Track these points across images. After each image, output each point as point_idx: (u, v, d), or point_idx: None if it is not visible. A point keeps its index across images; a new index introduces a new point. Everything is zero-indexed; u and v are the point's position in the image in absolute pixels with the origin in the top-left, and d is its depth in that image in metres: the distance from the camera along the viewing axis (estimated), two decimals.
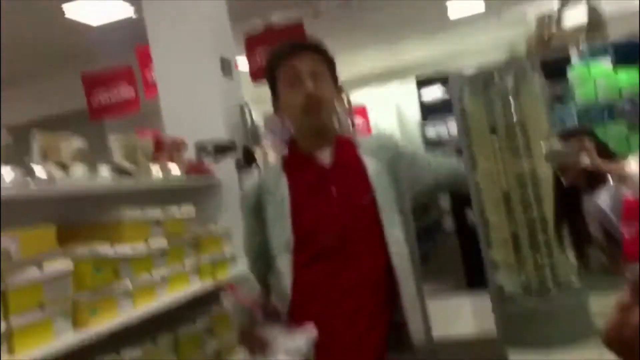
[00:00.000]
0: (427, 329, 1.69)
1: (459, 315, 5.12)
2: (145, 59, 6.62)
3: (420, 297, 1.68)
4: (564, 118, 5.29)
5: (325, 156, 1.68)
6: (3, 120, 7.83)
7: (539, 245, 4.05)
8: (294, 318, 1.60)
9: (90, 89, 6.98)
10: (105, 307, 1.86)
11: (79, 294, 1.77)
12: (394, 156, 1.72)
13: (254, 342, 1.52)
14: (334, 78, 1.72)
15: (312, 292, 1.62)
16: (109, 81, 7.05)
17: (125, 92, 7.07)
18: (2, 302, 1.53)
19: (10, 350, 1.52)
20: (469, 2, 8.50)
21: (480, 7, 8.66)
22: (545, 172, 4.21)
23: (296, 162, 1.71)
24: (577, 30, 1.72)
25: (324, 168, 1.67)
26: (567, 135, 2.44)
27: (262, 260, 1.74)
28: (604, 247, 2.43)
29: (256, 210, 1.70)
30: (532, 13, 9.60)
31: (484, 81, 4.18)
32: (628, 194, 2.21)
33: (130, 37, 6.34)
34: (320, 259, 1.62)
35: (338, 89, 1.73)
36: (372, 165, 1.68)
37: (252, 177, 1.79)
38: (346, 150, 1.71)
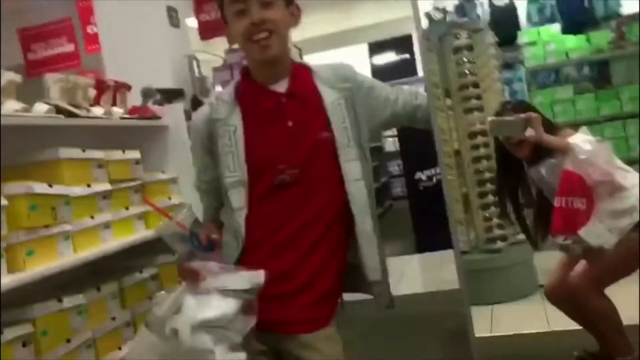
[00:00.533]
0: (383, 267, 1.65)
1: (410, 275, 5.19)
2: (85, 12, 6.32)
3: (376, 234, 1.64)
4: (512, 82, 5.36)
5: (280, 86, 1.60)
6: None
7: (488, 204, 4.10)
8: (248, 254, 1.54)
9: (27, 44, 6.62)
10: (42, 249, 1.74)
11: (14, 234, 1.65)
12: (352, 87, 1.65)
13: (187, 272, 1.43)
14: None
15: (267, 227, 1.56)
16: (47, 35, 6.70)
17: (64, 46, 6.74)
18: None
19: None
20: None
21: None
22: None
23: (250, 91, 1.62)
24: None
25: (279, 98, 1.59)
26: (508, 109, 2.48)
27: (214, 195, 1.67)
28: (536, 215, 2.49)
29: (207, 142, 1.61)
30: None
31: (440, 36, 4.13)
32: (568, 165, 2.26)
33: None
34: (276, 193, 1.55)
35: (292, 11, 1.62)
36: (329, 97, 1.61)
37: (202, 108, 1.67)
38: (303, 80, 1.63)
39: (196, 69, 4.21)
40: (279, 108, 1.58)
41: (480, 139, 3.99)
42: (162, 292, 2.15)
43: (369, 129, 1.68)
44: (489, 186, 3.99)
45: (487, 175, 3.99)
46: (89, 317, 1.90)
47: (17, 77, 1.98)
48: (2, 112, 1.80)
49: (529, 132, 2.23)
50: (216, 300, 1.36)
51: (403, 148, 6.94)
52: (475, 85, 4.02)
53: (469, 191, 4.05)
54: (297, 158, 1.56)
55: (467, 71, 4.02)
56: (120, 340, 2.04)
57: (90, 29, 6.37)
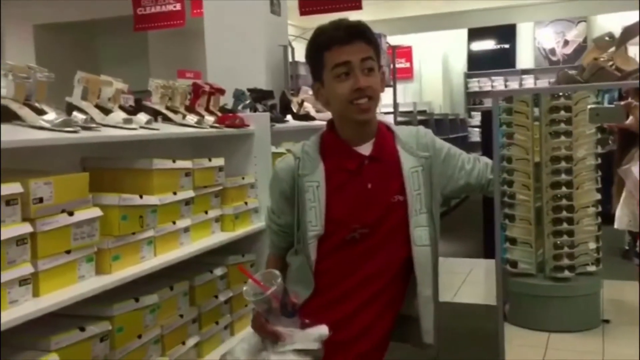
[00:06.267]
0: (437, 328, 1.74)
1: (470, 282, 5.20)
2: None
3: (435, 297, 1.72)
4: None
5: (365, 148, 1.69)
6: (42, 19, 7.86)
7: (561, 232, 4.02)
8: (315, 297, 1.67)
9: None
10: (127, 254, 1.93)
11: (104, 240, 1.84)
12: (431, 155, 1.72)
13: (267, 333, 1.57)
14: (380, 61, 1.69)
15: (334, 276, 1.68)
16: None
17: (172, 5, 7.00)
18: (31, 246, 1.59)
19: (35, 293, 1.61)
20: None
21: None
22: (583, 153, 4.12)
23: (335, 148, 1.71)
24: (636, 63, 1.65)
25: (363, 161, 1.68)
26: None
27: (284, 238, 1.79)
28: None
29: (289, 192, 1.72)
30: None
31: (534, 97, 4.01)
32: None
33: None
34: (346, 248, 1.66)
35: (382, 75, 1.70)
36: (408, 163, 1.69)
37: (287, 158, 1.77)
38: (386, 143, 1.72)
39: (290, 58, 4.32)
40: (361, 169, 1.68)
41: (563, 165, 3.91)
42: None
43: (442, 195, 1.75)
44: (565, 214, 3.93)
45: (565, 202, 3.92)
46: (160, 314, 2.09)
47: (124, 86, 2.15)
48: (109, 122, 1.99)
49: (630, 121, 2.19)
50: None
51: (485, 140, 6.80)
52: (568, 109, 3.91)
53: (543, 216, 4.00)
54: (371, 219, 1.66)
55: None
56: (185, 335, 2.23)
57: None
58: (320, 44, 1.66)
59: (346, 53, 1.62)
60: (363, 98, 1.62)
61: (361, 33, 1.64)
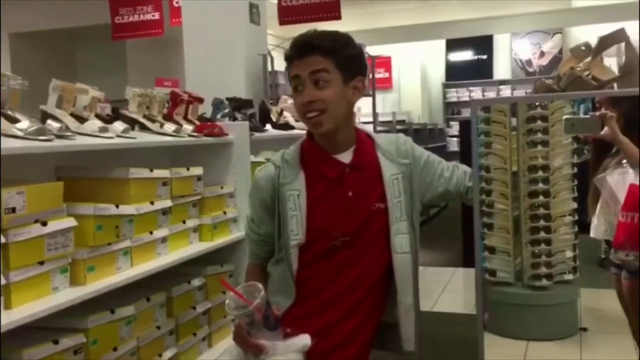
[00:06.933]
0: (418, 336, 1.73)
1: (450, 290, 5.21)
2: None
3: (415, 305, 1.72)
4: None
5: (345, 156, 1.68)
6: (19, 27, 7.74)
7: (539, 240, 4.05)
8: (298, 304, 1.65)
9: (116, 8, 6.89)
10: (103, 265, 1.89)
11: (79, 251, 1.80)
12: (410, 163, 1.72)
13: (249, 346, 1.55)
14: (348, 72, 1.64)
15: (315, 286, 1.67)
16: (136, 1, 6.94)
17: (150, 14, 6.96)
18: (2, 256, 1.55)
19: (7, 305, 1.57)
20: None
21: None
22: (560, 162, 4.16)
23: (315, 156, 1.70)
24: (612, 73, 1.67)
25: (343, 169, 1.67)
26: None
27: (263, 247, 1.78)
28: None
29: (270, 201, 1.71)
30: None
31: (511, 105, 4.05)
32: (636, 179, 2.18)
33: None
34: (327, 256, 1.66)
35: (355, 84, 1.67)
36: (388, 170, 1.68)
37: (268, 167, 1.75)
38: (366, 151, 1.71)
39: (269, 67, 4.32)
40: (341, 178, 1.67)
41: (540, 174, 3.95)
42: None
43: (421, 202, 1.75)
44: (542, 222, 3.96)
45: (542, 211, 3.96)
46: (136, 326, 2.06)
47: (100, 94, 2.13)
48: (84, 131, 1.96)
49: (605, 131, 2.19)
50: None
51: (463, 150, 6.83)
52: (544, 118, 3.96)
53: (521, 225, 4.03)
54: (352, 227, 1.65)
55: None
56: (162, 347, 2.19)
57: (176, 2, 6.57)
58: (285, 57, 1.67)
59: (297, 67, 1.61)
60: (312, 112, 1.61)
61: (315, 46, 1.60)
